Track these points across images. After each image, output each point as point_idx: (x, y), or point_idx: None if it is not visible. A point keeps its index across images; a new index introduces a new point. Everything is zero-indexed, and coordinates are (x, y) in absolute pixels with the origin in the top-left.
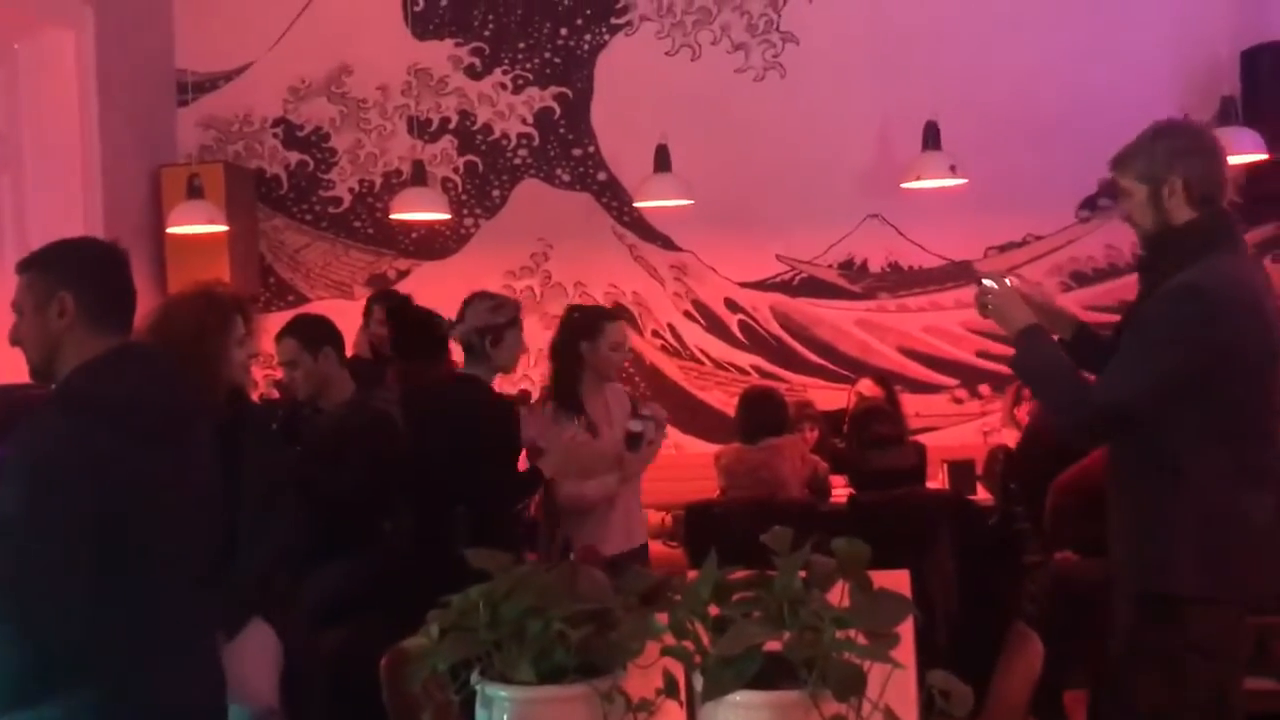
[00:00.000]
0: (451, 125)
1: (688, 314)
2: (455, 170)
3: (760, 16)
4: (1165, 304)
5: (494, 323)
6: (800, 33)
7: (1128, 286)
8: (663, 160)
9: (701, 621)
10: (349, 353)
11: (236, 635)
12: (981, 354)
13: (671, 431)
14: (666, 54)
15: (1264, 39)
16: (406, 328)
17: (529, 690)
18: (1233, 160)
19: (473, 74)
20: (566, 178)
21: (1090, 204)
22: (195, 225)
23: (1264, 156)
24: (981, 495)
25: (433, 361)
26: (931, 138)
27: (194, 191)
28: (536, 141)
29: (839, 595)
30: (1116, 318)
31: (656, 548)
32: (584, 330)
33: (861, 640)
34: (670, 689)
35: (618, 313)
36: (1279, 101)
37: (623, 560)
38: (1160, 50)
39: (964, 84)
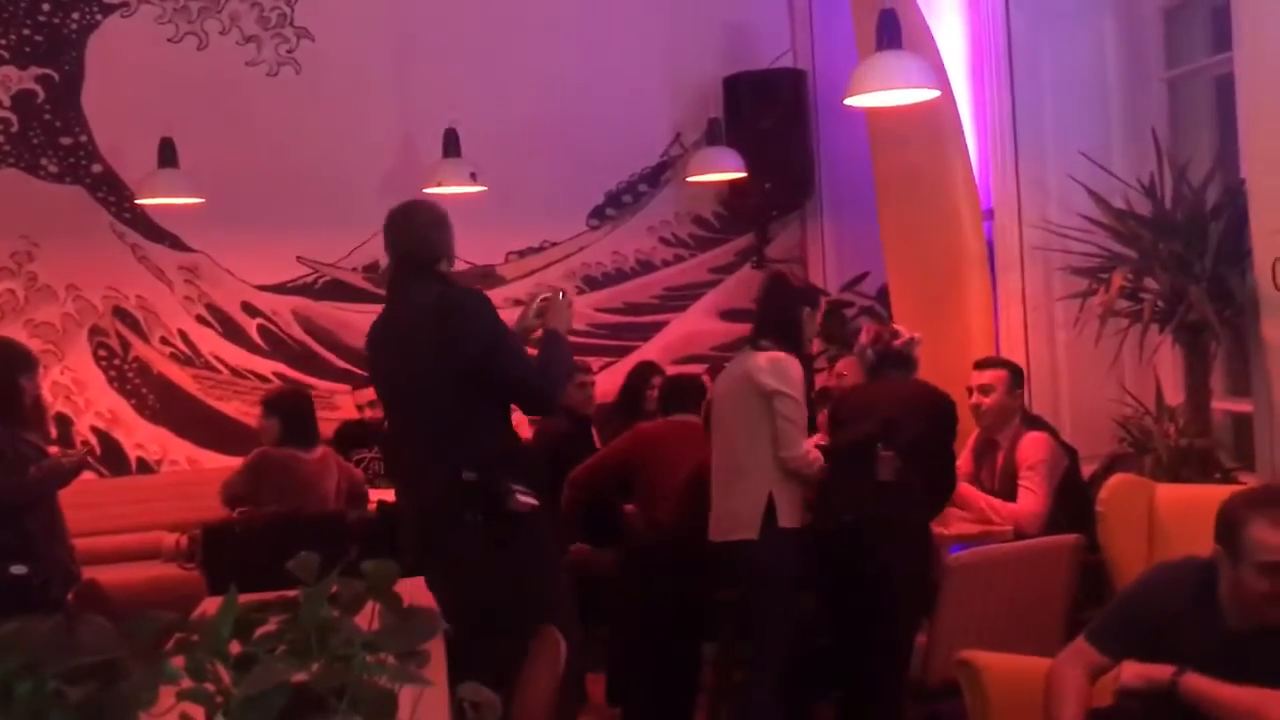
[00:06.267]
0: None
1: (201, 319)
2: None
3: (272, 9)
4: None
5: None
6: (315, 29)
7: (633, 289)
8: (168, 154)
9: (222, 661)
10: None
11: None
12: None
13: (186, 446)
14: (170, 40)
15: (742, 68)
16: None
17: None
18: (718, 177)
19: None
20: (54, 169)
21: (599, 213)
22: None
23: (743, 174)
24: None
25: None
26: (452, 145)
27: None
28: (16, 127)
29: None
30: (624, 319)
31: (172, 571)
32: (806, 297)
33: (392, 661)
34: None
35: None
36: (756, 125)
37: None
38: (656, 74)
39: (481, 93)
